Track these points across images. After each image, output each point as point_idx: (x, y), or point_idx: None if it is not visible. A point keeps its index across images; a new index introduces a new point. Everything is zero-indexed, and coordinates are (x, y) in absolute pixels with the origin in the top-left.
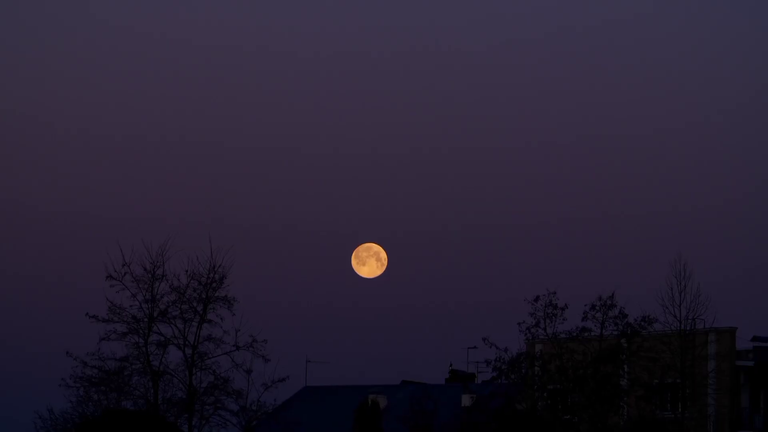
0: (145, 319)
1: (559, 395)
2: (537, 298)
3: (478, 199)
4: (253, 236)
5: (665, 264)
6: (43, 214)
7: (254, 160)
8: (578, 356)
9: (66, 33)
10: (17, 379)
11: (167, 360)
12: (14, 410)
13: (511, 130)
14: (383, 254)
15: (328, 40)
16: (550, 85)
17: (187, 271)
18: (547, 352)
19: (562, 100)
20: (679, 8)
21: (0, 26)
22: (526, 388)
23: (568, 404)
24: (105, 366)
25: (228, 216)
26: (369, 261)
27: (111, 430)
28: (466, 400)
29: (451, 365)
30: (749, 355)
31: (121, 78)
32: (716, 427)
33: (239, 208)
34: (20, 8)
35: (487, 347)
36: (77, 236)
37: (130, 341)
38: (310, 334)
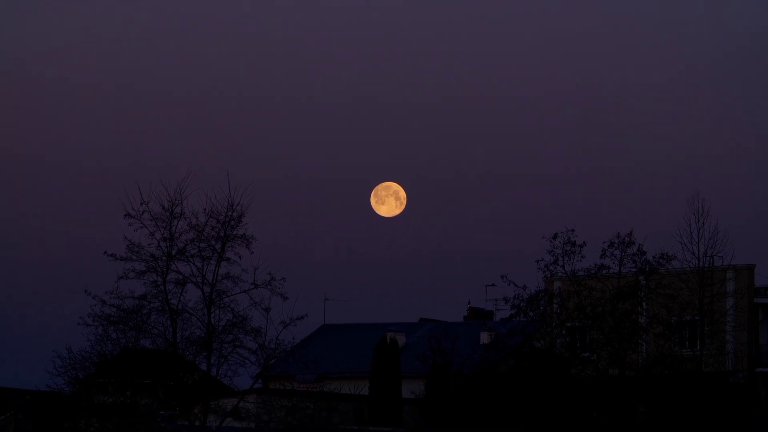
0: (164, 258)
1: (578, 332)
2: (555, 236)
3: (497, 142)
4: (272, 176)
5: (683, 203)
6: (62, 156)
7: (273, 106)
8: (597, 293)
9: None
10: (36, 319)
11: (185, 298)
12: (33, 349)
13: (528, 77)
14: (402, 193)
15: None
16: (571, 31)
17: (205, 209)
18: (565, 289)
19: (582, 48)
20: None
21: None
22: (545, 325)
23: (587, 341)
24: (123, 304)
25: (247, 155)
26: (388, 200)
27: (129, 368)
28: (484, 337)
29: (469, 303)
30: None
31: (131, 24)
32: (735, 364)
33: (259, 147)
34: None
35: (506, 285)
36: (96, 176)
37: (149, 279)
38: (329, 273)
